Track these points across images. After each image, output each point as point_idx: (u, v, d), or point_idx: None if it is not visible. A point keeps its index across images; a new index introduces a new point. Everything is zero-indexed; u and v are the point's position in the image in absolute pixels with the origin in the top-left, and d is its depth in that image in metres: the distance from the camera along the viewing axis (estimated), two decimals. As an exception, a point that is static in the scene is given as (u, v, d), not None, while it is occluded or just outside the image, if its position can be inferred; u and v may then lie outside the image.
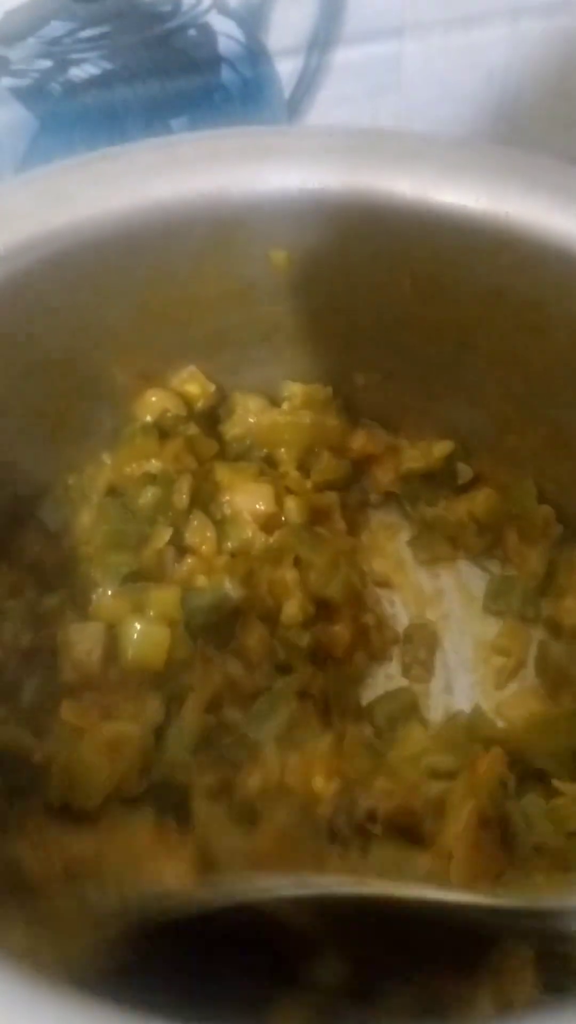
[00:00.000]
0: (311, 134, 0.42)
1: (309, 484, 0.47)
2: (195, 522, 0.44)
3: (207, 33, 0.57)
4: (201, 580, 0.43)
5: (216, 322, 0.45)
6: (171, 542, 0.43)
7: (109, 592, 0.42)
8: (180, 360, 0.46)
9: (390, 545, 0.50)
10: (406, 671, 0.46)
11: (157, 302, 0.43)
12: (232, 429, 0.48)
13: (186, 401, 0.47)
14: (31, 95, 0.57)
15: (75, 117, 0.58)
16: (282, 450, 0.47)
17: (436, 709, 0.45)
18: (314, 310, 0.45)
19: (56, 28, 0.56)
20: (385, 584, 0.49)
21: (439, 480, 0.49)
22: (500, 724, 0.42)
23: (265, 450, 0.48)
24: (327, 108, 0.62)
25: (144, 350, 0.45)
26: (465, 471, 0.49)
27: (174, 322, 0.44)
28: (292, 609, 0.42)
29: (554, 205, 0.39)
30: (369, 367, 0.47)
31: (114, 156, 0.40)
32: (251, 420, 0.47)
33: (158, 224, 0.41)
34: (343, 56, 0.60)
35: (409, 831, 0.36)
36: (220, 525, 0.45)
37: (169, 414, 0.46)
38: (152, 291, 0.42)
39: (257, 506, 0.45)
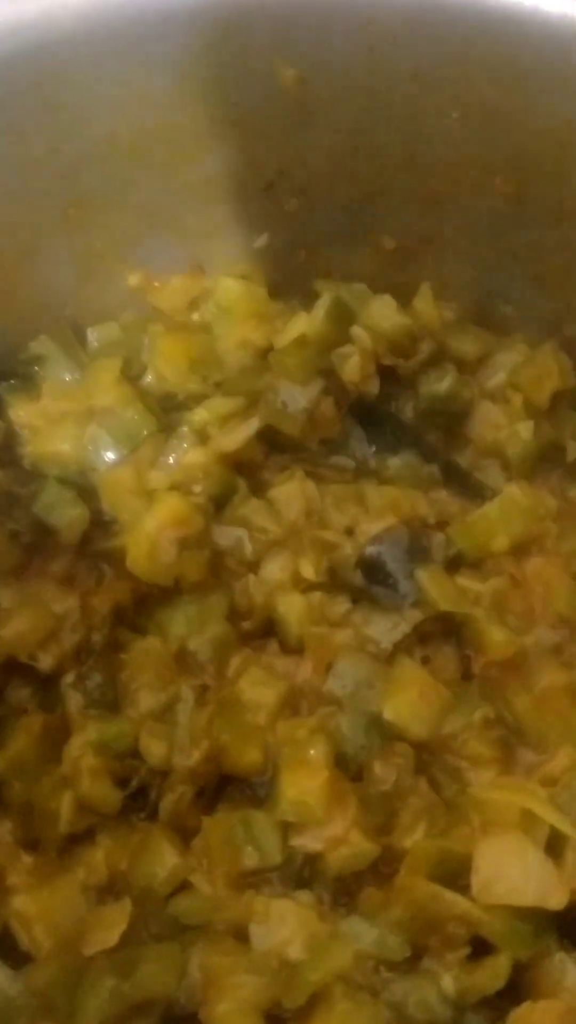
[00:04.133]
0: None
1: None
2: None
3: None
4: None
5: (205, 165, 0.36)
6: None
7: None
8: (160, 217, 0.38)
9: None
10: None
11: (128, 134, 0.34)
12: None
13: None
14: None
15: None
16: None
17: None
18: (330, 148, 0.37)
19: None
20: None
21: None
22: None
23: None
24: None
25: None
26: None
27: (150, 165, 0.36)
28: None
29: None
30: (400, 228, 0.39)
31: None
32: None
33: (128, 22, 0.32)
34: None
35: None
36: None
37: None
38: (123, 117, 0.33)
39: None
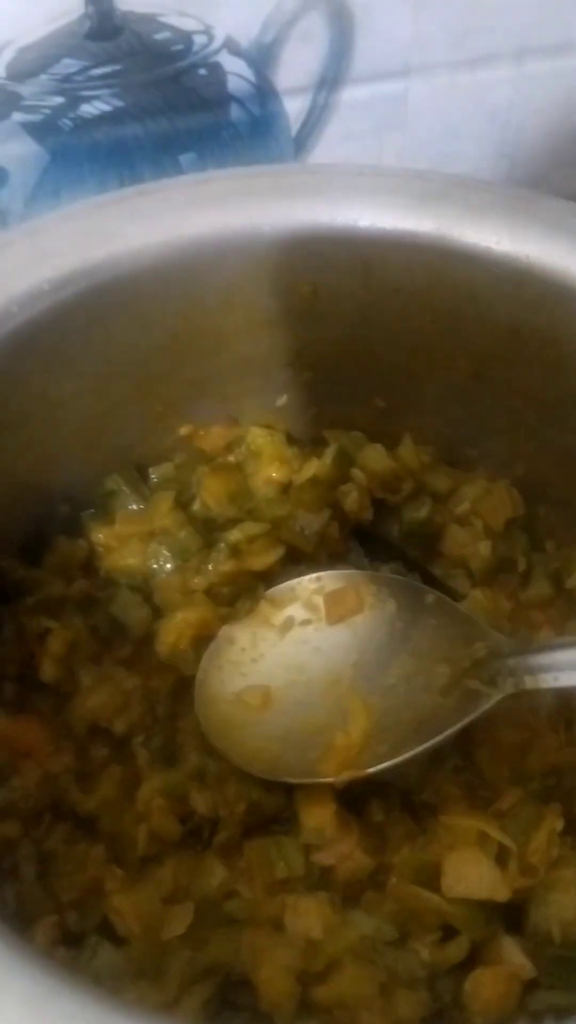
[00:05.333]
0: (338, 172, 0.46)
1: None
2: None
3: (218, 72, 0.62)
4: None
5: (242, 350, 0.48)
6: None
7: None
8: (207, 387, 0.50)
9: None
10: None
11: (187, 332, 0.47)
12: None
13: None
14: (42, 130, 0.61)
15: (86, 152, 0.62)
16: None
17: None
18: (335, 338, 0.49)
19: (68, 65, 0.60)
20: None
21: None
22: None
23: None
24: (333, 144, 0.66)
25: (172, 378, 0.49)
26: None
27: (201, 351, 0.48)
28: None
29: (573, 248, 0.44)
30: (388, 393, 0.51)
31: (150, 192, 0.44)
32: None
33: (191, 257, 0.44)
34: (350, 95, 0.65)
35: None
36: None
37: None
38: (183, 320, 0.46)
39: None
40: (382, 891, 0.38)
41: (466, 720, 0.39)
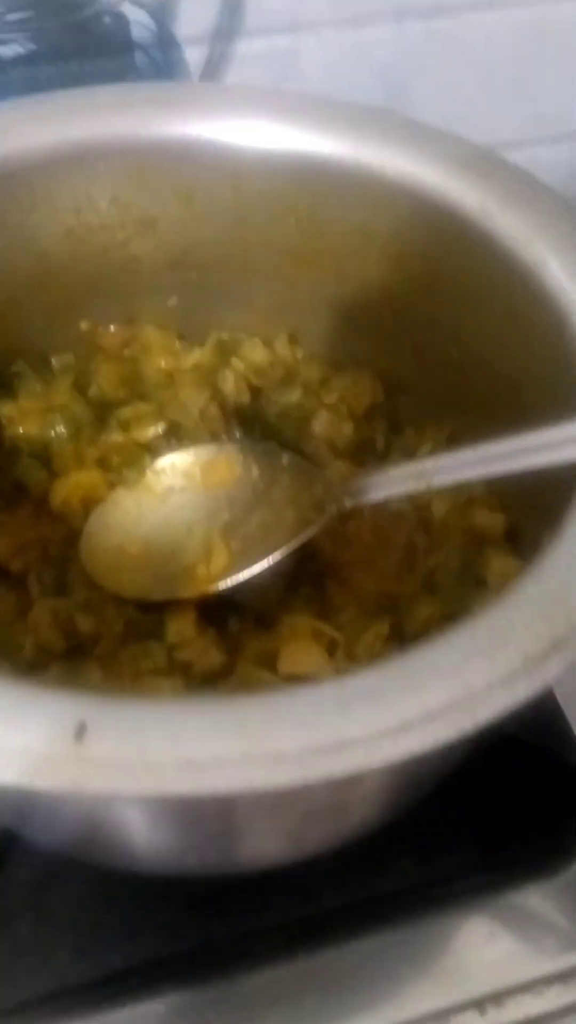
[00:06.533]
0: (211, 89, 0.53)
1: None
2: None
3: (121, 21, 0.69)
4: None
5: (131, 249, 0.55)
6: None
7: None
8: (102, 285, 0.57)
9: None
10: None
11: (80, 228, 0.54)
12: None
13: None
14: (-38, 70, 0.68)
15: (1, 90, 0.69)
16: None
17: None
18: (215, 241, 0.56)
19: (-16, 12, 0.67)
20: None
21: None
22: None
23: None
24: (232, 93, 0.74)
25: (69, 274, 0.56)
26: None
27: (95, 249, 0.55)
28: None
29: (409, 152, 0.52)
30: (265, 297, 0.59)
31: (44, 100, 0.51)
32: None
33: (78, 157, 0.52)
34: (246, 47, 0.73)
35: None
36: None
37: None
38: (75, 217, 0.53)
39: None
40: (232, 677, 0.45)
41: (298, 539, 0.47)
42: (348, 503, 0.46)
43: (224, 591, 0.48)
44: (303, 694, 0.30)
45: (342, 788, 0.37)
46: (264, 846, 0.43)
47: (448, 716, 0.29)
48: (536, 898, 0.48)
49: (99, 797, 0.28)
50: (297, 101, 0.53)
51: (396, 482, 0.45)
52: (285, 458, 0.53)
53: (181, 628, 0.46)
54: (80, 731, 0.29)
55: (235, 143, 0.53)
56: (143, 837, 0.40)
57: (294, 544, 0.47)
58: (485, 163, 0.50)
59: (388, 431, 0.59)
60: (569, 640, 0.31)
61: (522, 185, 0.49)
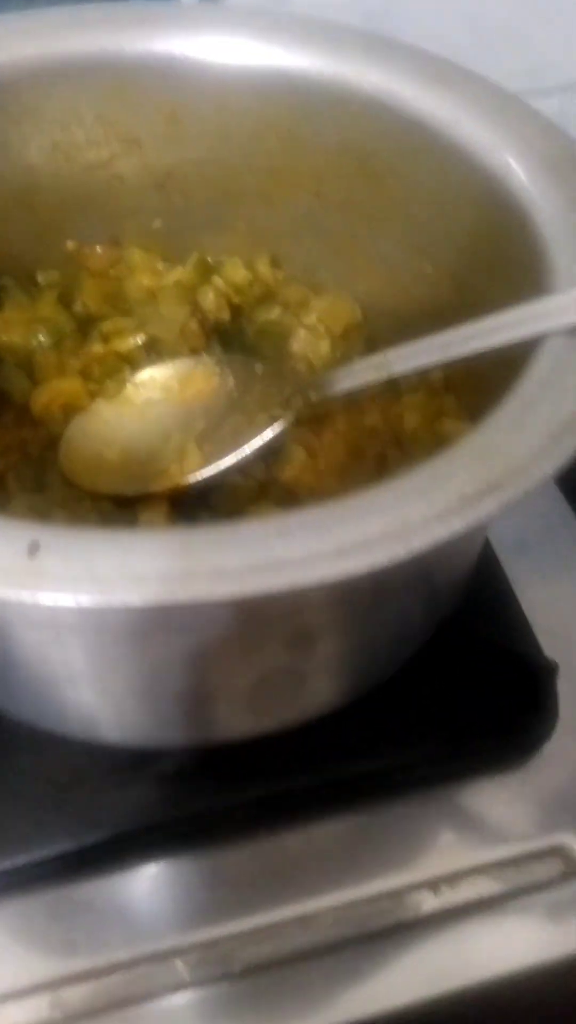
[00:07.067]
0: (198, 10, 0.55)
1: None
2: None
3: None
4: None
5: (117, 168, 0.57)
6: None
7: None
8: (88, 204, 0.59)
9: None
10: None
11: (65, 143, 0.55)
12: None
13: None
14: None
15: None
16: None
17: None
18: (199, 160, 0.58)
19: None
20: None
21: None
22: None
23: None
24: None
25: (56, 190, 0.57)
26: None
27: (81, 165, 0.57)
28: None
29: (384, 68, 0.53)
30: (248, 218, 0.60)
31: (31, 15, 0.53)
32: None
33: (63, 72, 0.53)
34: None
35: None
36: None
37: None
38: (61, 130, 0.55)
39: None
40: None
41: (265, 434, 0.49)
42: (314, 396, 0.48)
43: (195, 486, 0.49)
44: (247, 524, 0.32)
45: (295, 641, 0.38)
46: (224, 714, 0.44)
47: (383, 544, 0.31)
48: (493, 789, 0.50)
49: (51, 608, 0.30)
50: (279, 19, 0.55)
51: (359, 373, 0.47)
52: (259, 367, 0.55)
53: (152, 518, 0.48)
54: (33, 548, 0.30)
55: (218, 61, 0.55)
56: (103, 687, 0.42)
57: (262, 440, 0.48)
58: (458, 76, 0.52)
59: (365, 351, 0.61)
60: (504, 484, 0.33)
61: (493, 95, 0.51)
